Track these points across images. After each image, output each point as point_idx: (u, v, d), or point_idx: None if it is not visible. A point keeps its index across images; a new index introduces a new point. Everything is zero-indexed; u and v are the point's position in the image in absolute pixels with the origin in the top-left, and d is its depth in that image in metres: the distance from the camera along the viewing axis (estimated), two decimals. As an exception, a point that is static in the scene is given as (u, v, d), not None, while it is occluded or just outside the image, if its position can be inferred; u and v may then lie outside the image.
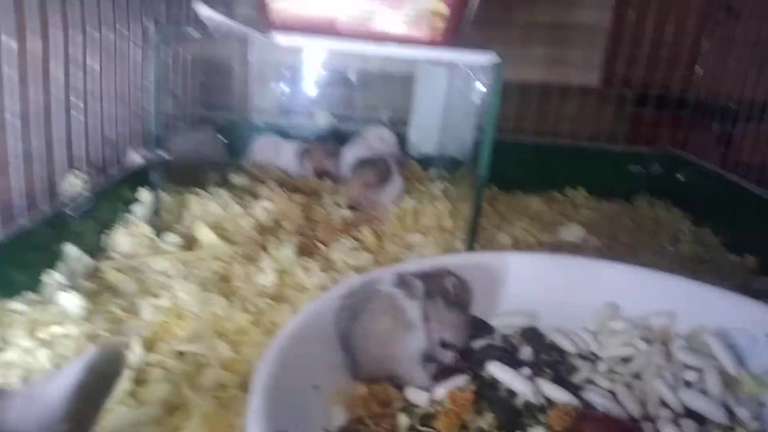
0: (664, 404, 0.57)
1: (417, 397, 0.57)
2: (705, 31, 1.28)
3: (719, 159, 1.20)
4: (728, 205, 1.11)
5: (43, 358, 0.61)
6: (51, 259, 0.75)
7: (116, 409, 0.55)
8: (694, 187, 1.25)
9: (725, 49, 1.22)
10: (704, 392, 0.58)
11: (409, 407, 0.56)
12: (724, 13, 1.25)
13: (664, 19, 1.28)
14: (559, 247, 1.02)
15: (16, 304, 0.66)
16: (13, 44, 0.69)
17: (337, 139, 1.29)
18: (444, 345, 0.62)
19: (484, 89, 0.96)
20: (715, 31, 1.27)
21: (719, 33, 1.26)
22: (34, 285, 0.71)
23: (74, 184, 0.82)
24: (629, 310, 0.70)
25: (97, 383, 0.35)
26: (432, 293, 0.61)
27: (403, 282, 0.61)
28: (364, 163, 1.10)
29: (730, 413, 0.56)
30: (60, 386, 0.33)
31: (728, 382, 0.59)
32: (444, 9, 0.75)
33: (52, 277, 0.72)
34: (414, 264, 0.69)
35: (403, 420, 0.54)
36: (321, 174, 1.23)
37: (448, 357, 0.63)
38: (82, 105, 0.85)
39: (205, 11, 0.79)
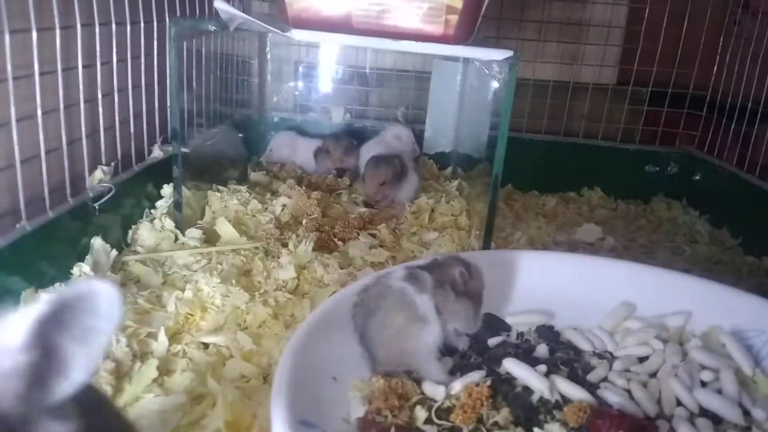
0: (679, 403, 0.57)
1: (434, 391, 0.58)
2: (722, 28, 1.27)
3: (737, 159, 1.19)
4: (746, 206, 1.10)
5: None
6: (79, 251, 0.78)
7: (144, 397, 0.57)
8: (711, 187, 1.24)
9: (743, 47, 1.21)
10: (720, 392, 0.58)
11: (426, 400, 0.57)
12: (742, 10, 1.24)
13: (681, 15, 1.27)
14: (575, 247, 1.02)
15: (47, 295, 0.68)
16: (35, 36, 0.69)
17: (353, 135, 1.30)
18: (458, 332, 0.64)
19: (498, 86, 0.97)
20: (732, 28, 1.25)
21: (736, 30, 1.24)
22: (64, 276, 0.73)
23: (100, 179, 0.84)
24: (645, 310, 0.71)
25: (73, 317, 0.29)
26: (441, 283, 0.62)
27: (412, 276, 0.62)
28: (379, 161, 1.11)
29: (746, 413, 0.56)
30: (24, 318, 0.27)
31: (744, 382, 0.59)
32: (458, 3, 0.76)
33: (81, 269, 0.74)
34: (426, 260, 0.70)
35: (421, 413, 0.55)
36: (340, 171, 1.25)
37: (462, 342, 0.65)
38: (104, 99, 0.86)
39: (222, 5, 0.80)
